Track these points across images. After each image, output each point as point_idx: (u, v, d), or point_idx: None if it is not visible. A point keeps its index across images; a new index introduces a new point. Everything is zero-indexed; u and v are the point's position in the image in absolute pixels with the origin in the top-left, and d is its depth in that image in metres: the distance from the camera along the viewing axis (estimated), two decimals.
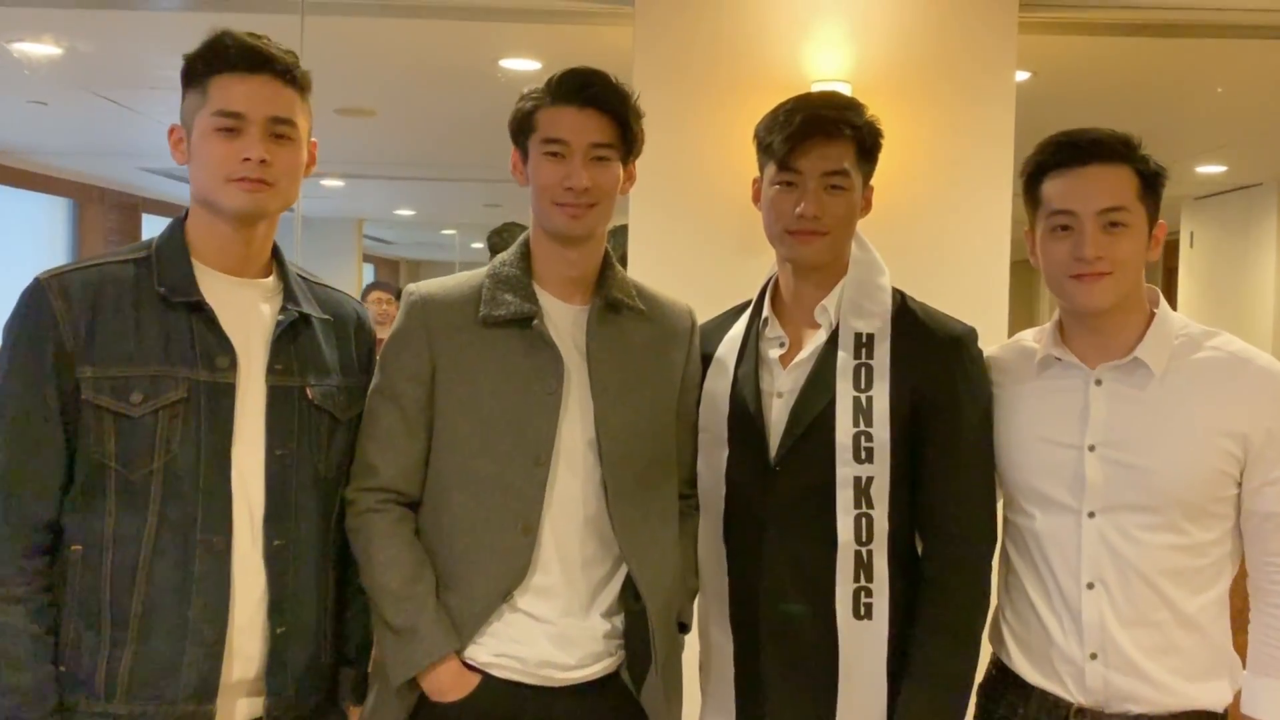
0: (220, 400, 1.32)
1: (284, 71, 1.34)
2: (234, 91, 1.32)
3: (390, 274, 13.55)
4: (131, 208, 8.01)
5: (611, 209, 1.47)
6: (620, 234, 3.02)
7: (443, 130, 5.27)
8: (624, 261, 2.93)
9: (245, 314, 1.37)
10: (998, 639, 1.53)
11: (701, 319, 1.64)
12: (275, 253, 1.44)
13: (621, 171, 1.47)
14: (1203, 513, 1.38)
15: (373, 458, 1.44)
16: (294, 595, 1.37)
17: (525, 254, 1.50)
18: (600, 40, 2.99)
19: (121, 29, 3.51)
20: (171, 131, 1.38)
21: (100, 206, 7.77)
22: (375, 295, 5.14)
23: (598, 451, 1.43)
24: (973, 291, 2.69)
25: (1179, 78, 4.03)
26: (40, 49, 3.84)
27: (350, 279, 9.21)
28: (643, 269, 2.76)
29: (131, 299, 1.31)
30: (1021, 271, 2.88)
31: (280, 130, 1.34)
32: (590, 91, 1.41)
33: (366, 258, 11.71)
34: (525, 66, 3.64)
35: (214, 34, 1.33)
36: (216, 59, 1.32)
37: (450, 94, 4.32)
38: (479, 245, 5.96)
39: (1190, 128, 4.68)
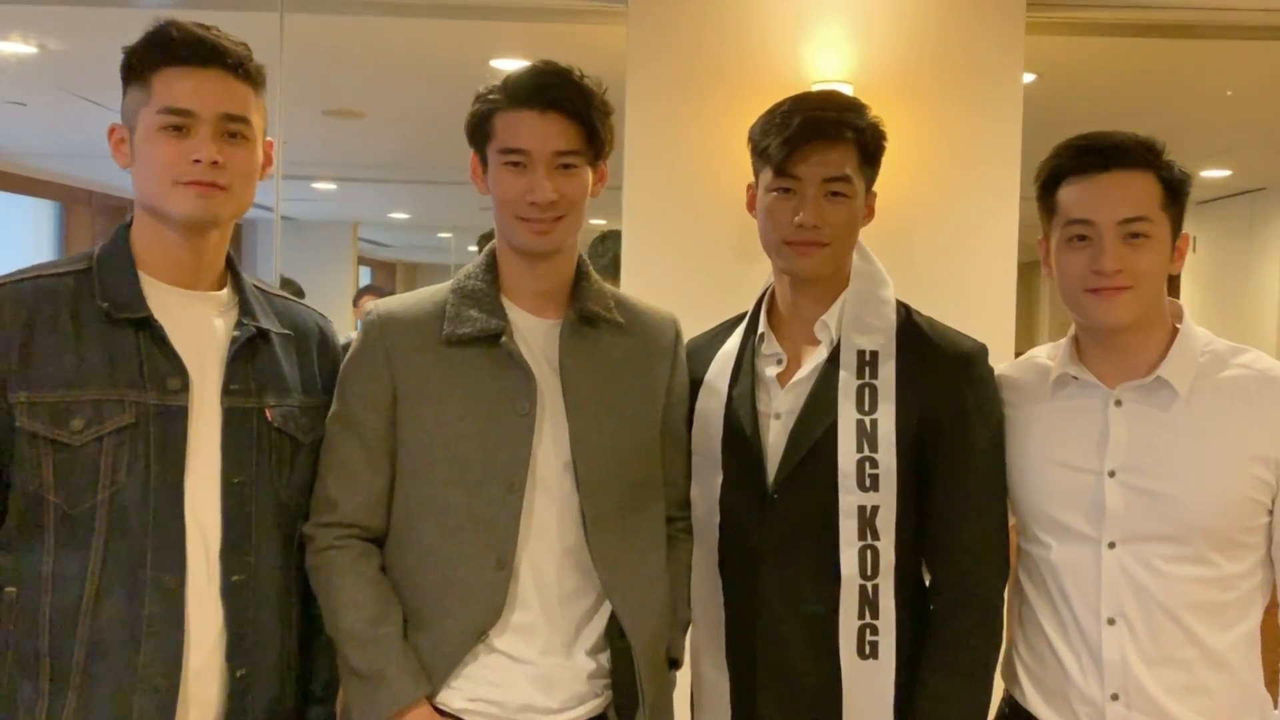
0: (171, 425, 1.22)
1: (236, 65, 1.24)
2: (181, 87, 1.22)
3: (387, 277, 13.51)
4: (119, 210, 7.91)
5: (581, 219, 1.37)
6: (612, 239, 2.93)
7: (434, 132, 5.19)
8: (616, 266, 2.85)
9: (197, 330, 1.27)
10: (1011, 675, 1.45)
11: (699, 330, 1.55)
12: (229, 263, 1.35)
13: (591, 175, 1.36)
14: (1231, 543, 1.30)
15: (331, 491, 1.34)
16: (255, 634, 1.27)
17: (492, 265, 1.40)
18: (593, 40, 2.90)
19: (95, 28, 3.41)
20: (111, 132, 1.28)
21: (87, 209, 7.68)
22: (366, 300, 5.07)
23: (574, 476, 1.34)
24: (979, 301, 2.62)
25: (1185, 81, 3.97)
26: (11, 47, 3.75)
27: (346, 282, 9.18)
28: (636, 277, 2.68)
29: (71, 315, 1.21)
30: (1022, 272, 2.80)
31: (233, 128, 1.25)
32: (551, 93, 1.30)
33: (363, 261, 11.66)
34: (516, 67, 3.54)
35: (157, 23, 1.23)
36: (161, 51, 1.22)
37: (440, 95, 4.23)
38: (476, 249, 5.91)
39: (1195, 132, 4.61)
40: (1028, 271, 3.03)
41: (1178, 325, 1.37)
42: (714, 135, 2.65)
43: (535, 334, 1.38)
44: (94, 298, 1.22)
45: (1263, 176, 6.31)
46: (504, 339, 1.34)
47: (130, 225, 1.30)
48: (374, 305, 1.39)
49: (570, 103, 1.30)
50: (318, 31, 3.30)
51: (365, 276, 12.15)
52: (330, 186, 7.30)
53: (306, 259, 7.74)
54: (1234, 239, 6.82)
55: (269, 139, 1.33)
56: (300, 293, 4.57)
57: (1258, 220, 6.60)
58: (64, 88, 4.37)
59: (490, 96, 1.33)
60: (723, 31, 2.67)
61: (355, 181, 7.14)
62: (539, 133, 1.30)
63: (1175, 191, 1.34)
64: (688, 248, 2.69)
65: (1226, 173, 6.08)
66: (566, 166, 1.32)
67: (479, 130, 1.35)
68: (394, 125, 5.14)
